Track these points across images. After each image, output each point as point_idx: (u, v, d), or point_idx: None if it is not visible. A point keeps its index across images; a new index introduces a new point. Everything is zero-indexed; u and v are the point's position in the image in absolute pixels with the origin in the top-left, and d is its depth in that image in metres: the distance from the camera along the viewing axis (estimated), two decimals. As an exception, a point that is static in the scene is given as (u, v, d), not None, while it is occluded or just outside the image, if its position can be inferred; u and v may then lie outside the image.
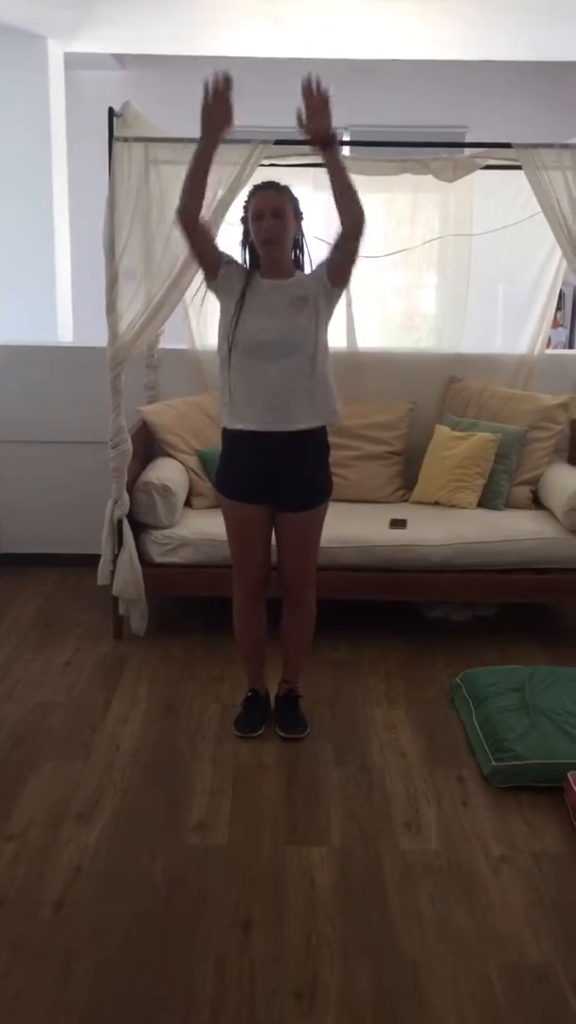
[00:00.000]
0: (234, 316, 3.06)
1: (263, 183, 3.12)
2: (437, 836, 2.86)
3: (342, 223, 3.00)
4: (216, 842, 2.82)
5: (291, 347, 3.04)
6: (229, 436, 3.21)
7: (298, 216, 3.12)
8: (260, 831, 2.87)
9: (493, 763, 3.14)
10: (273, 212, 3.02)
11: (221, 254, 3.14)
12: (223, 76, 2.95)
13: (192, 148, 3.96)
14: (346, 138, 6.63)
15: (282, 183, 3.12)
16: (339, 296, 3.16)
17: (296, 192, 3.15)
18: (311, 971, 2.31)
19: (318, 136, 2.94)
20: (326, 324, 3.14)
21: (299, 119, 2.94)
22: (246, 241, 3.13)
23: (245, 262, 3.16)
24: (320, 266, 3.12)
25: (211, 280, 3.15)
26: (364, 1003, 2.22)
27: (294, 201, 3.09)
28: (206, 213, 3.77)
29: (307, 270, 3.19)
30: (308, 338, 3.06)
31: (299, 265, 3.18)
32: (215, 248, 3.15)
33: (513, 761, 3.11)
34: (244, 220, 3.12)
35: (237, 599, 3.40)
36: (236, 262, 3.16)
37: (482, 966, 2.34)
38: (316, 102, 2.91)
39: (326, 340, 3.15)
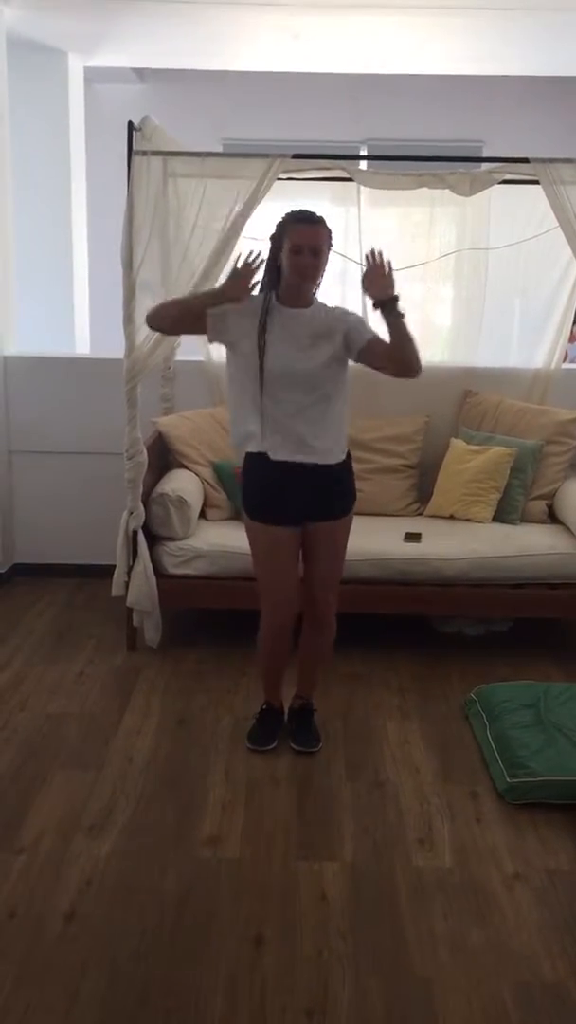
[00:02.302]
0: (259, 345, 3.03)
1: (302, 213, 3.05)
2: (450, 852, 2.84)
3: (392, 371, 3.04)
4: (228, 856, 2.80)
5: (314, 379, 3.04)
6: (252, 460, 3.16)
7: (330, 248, 3.09)
8: (272, 845, 2.86)
9: (507, 779, 3.12)
10: (312, 250, 3.00)
11: (203, 315, 3.08)
12: (256, 257, 3.01)
13: (210, 162, 4.01)
14: (363, 152, 6.68)
15: (318, 215, 3.07)
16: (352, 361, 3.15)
17: (312, 206, 3.14)
18: (322, 987, 2.30)
19: (379, 299, 2.99)
20: (343, 370, 3.12)
21: (362, 284, 3.04)
22: (273, 262, 3.08)
23: (267, 281, 3.10)
24: (360, 330, 3.07)
25: (212, 338, 3.14)
26: (376, 1020, 2.21)
27: (329, 235, 3.07)
28: (223, 227, 3.81)
29: (319, 294, 3.16)
30: (329, 373, 3.06)
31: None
32: (198, 319, 3.10)
33: (527, 778, 3.09)
34: (275, 240, 3.07)
35: (269, 624, 3.29)
36: (223, 307, 3.09)
37: (495, 984, 2.32)
38: (378, 272, 3.00)
39: (344, 385, 3.14)
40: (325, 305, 3.15)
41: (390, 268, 3.01)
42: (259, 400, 3.05)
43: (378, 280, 3.00)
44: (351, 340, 3.06)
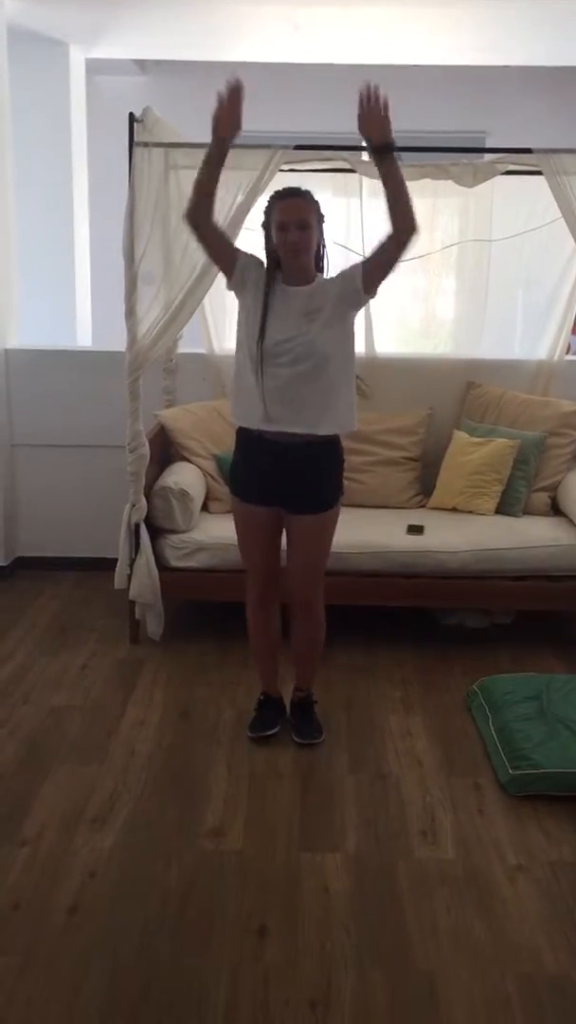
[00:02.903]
0: (261, 317, 3.04)
1: (284, 190, 3.07)
2: (453, 844, 2.84)
3: (393, 228, 2.96)
4: (231, 848, 2.81)
5: (310, 355, 3.02)
6: (243, 436, 3.20)
7: (320, 220, 3.09)
8: (275, 837, 2.87)
9: (510, 771, 3.12)
10: (298, 223, 2.99)
11: (235, 252, 3.12)
12: (235, 83, 2.95)
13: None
14: (365, 143, 6.64)
15: (303, 188, 3.10)
16: (364, 302, 3.14)
17: (315, 197, 3.14)
18: (325, 979, 2.30)
19: (375, 142, 2.92)
20: (346, 331, 3.11)
21: (359, 124, 2.94)
22: (268, 246, 3.10)
23: (269, 264, 3.12)
24: (356, 267, 3.07)
25: (229, 280, 3.14)
26: (379, 1012, 2.21)
27: (316, 206, 3.08)
28: (225, 219, 3.79)
29: (327, 272, 3.17)
30: (325, 347, 3.04)
31: (319, 268, 3.16)
32: (230, 247, 3.14)
33: (530, 770, 3.09)
34: (266, 226, 3.08)
35: (249, 600, 3.41)
36: (253, 259, 3.12)
37: (498, 976, 2.32)
38: (374, 108, 2.89)
39: (348, 349, 3.13)
40: (325, 280, 3.14)
41: (387, 107, 2.89)
42: (259, 375, 3.05)
43: (375, 120, 2.89)
44: (349, 283, 3.04)
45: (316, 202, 3.08)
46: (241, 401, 3.14)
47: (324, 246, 3.16)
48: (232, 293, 3.18)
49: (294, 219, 2.99)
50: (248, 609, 3.42)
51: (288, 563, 3.32)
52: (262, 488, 3.20)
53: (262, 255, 3.13)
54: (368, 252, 3.08)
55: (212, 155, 3.01)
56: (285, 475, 3.15)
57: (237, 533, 3.34)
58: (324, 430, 3.11)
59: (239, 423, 3.19)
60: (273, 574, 3.34)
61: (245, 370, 3.09)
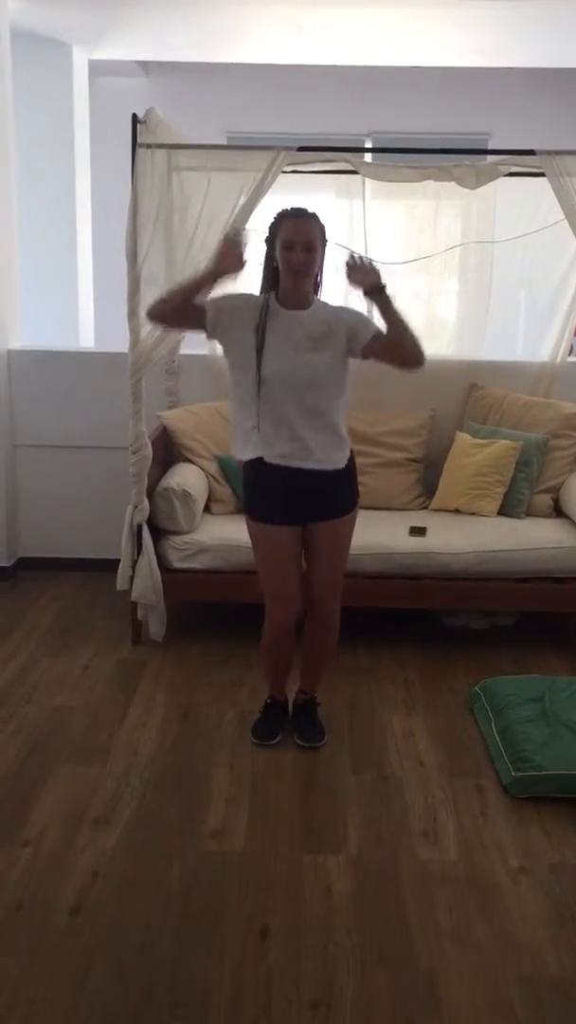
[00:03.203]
0: (257, 347, 3.01)
1: (293, 210, 3.05)
2: (455, 846, 2.84)
3: (395, 362, 3.05)
4: (233, 849, 2.81)
5: (314, 383, 3.02)
6: (252, 465, 3.15)
7: (324, 243, 3.07)
8: (277, 838, 2.87)
9: (512, 773, 3.12)
10: (304, 245, 2.98)
11: (201, 311, 3.07)
12: (240, 232, 3.13)
13: (215, 155, 4.00)
14: (368, 145, 6.65)
15: (310, 210, 3.06)
16: (359, 359, 3.15)
17: (317, 199, 3.15)
18: (328, 980, 2.30)
19: (366, 290, 3.02)
20: (345, 369, 3.11)
21: (348, 279, 3.06)
22: (269, 263, 3.07)
23: (266, 282, 3.10)
24: (363, 327, 3.06)
25: (210, 334, 3.13)
26: (381, 1013, 2.21)
27: (322, 229, 3.05)
28: (227, 221, 3.80)
29: (320, 293, 3.14)
30: (329, 377, 3.04)
31: (316, 290, 3.13)
32: (195, 313, 3.09)
33: (532, 771, 3.09)
34: (269, 241, 3.06)
35: (271, 623, 3.27)
36: (225, 300, 3.09)
37: (500, 977, 2.32)
38: (359, 267, 3.03)
39: (344, 386, 3.13)
40: (327, 304, 3.13)
41: (371, 262, 3.03)
42: (257, 404, 3.03)
43: (362, 275, 3.02)
44: (354, 338, 3.05)
45: (322, 225, 3.06)
46: (245, 443, 3.12)
47: (323, 269, 3.12)
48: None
49: (301, 240, 2.98)
50: (269, 630, 3.29)
51: (309, 569, 3.27)
52: (283, 505, 3.14)
53: (259, 263, 3.11)
54: (380, 330, 3.07)
55: (200, 281, 3.06)
56: (301, 491, 3.13)
57: (259, 556, 3.23)
58: (336, 464, 3.13)
59: (243, 457, 3.16)
60: (297, 599, 3.24)
61: (245, 409, 3.07)
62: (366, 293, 3.02)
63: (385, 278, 3.00)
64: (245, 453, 3.14)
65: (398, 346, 3.01)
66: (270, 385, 3.00)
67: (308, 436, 3.05)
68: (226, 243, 3.08)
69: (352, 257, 3.05)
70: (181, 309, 3.09)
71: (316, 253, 3.01)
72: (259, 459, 3.09)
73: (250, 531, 3.25)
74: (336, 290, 3.33)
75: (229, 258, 3.03)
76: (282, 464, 3.07)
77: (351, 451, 3.23)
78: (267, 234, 3.06)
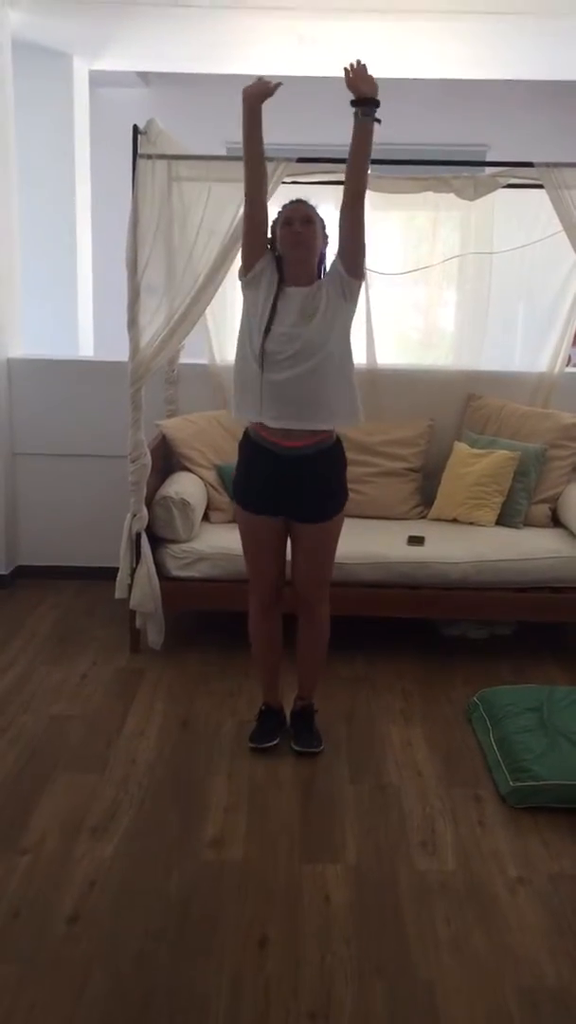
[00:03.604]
0: (267, 318, 3.08)
1: (293, 200, 3.21)
2: (453, 856, 2.84)
3: (347, 184, 3.08)
4: (231, 858, 2.81)
5: (310, 353, 3.06)
6: (245, 444, 3.25)
7: (324, 229, 3.19)
8: (275, 847, 2.86)
9: (511, 783, 3.12)
10: (303, 219, 3.12)
11: (264, 250, 3.17)
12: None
13: (215, 166, 4.02)
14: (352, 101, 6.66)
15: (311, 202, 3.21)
16: (358, 289, 3.17)
17: (317, 209, 3.18)
18: (326, 990, 2.30)
19: (361, 93, 3.01)
20: (344, 326, 3.16)
21: (348, 84, 3.04)
22: (274, 253, 3.17)
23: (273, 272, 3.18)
24: (332, 268, 3.16)
25: (247, 272, 3.17)
26: (379, 1023, 2.21)
27: (320, 218, 3.18)
28: (228, 229, 3.82)
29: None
30: (323, 344, 3.08)
31: (320, 274, 3.20)
32: (265, 240, 3.18)
33: (531, 781, 3.09)
34: (273, 230, 3.17)
35: (252, 609, 3.42)
36: (271, 262, 3.17)
37: (498, 988, 2.32)
38: (360, 69, 3.03)
39: (345, 345, 3.17)
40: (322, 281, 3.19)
41: (364, 67, 3.04)
42: (261, 371, 3.09)
43: (361, 77, 3.02)
44: (334, 271, 3.13)
45: (321, 217, 3.19)
46: (243, 395, 3.17)
47: (326, 257, 3.21)
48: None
49: (299, 215, 3.12)
50: (251, 619, 3.42)
51: (293, 571, 3.34)
52: (266, 499, 3.23)
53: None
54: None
55: (245, 124, 3.17)
56: (288, 485, 3.17)
57: (242, 541, 3.36)
58: (323, 424, 3.15)
59: (239, 415, 3.22)
60: (277, 583, 3.36)
61: (247, 364, 3.13)
62: (356, 102, 3.01)
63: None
64: (240, 408, 3.20)
65: (354, 157, 3.05)
66: (271, 354, 3.07)
67: (304, 400, 3.10)
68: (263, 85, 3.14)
69: (352, 63, 3.04)
70: (253, 152, 3.16)
71: (314, 226, 3.13)
72: (252, 437, 3.20)
73: (236, 516, 3.38)
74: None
75: (260, 93, 3.15)
76: (274, 426, 3.12)
77: (343, 453, 3.27)
78: (271, 226, 3.17)
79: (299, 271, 3.14)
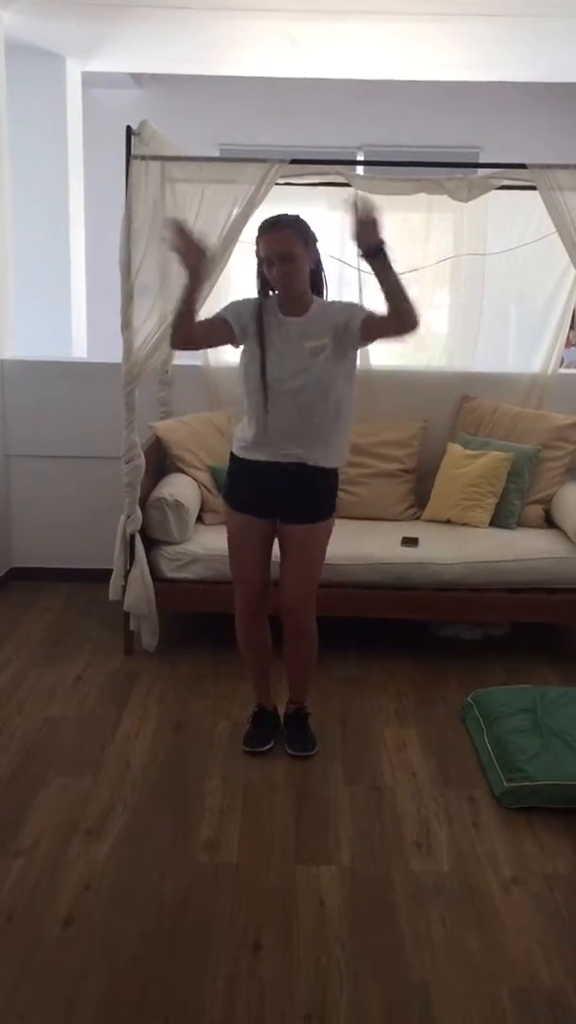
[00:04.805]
0: (260, 357, 3.04)
1: (267, 222, 3.03)
2: (448, 857, 2.84)
3: (395, 328, 2.96)
4: (225, 860, 2.80)
5: (316, 390, 3.05)
6: (238, 459, 3.24)
7: (310, 243, 3.05)
8: (269, 850, 2.86)
9: (505, 784, 3.12)
10: (281, 256, 2.97)
11: (224, 322, 3.09)
12: (175, 225, 2.98)
13: (208, 167, 4.02)
14: (360, 157, 6.69)
15: (288, 215, 3.04)
16: (361, 347, 3.16)
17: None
18: (320, 993, 2.29)
19: (364, 246, 2.86)
20: (350, 363, 3.13)
21: (351, 232, 2.88)
22: (261, 275, 3.09)
23: (262, 293, 3.11)
24: (353, 314, 3.04)
25: (236, 343, 3.14)
26: (374, 1026, 2.21)
27: (303, 231, 3.02)
28: (220, 233, 3.82)
29: (327, 292, 3.16)
30: (329, 382, 3.07)
31: (318, 290, 3.15)
32: (218, 325, 3.10)
33: (525, 782, 3.09)
34: (257, 255, 3.07)
35: (238, 616, 3.39)
36: (241, 305, 3.10)
37: (493, 989, 2.32)
38: (363, 220, 2.83)
39: (348, 385, 3.14)
40: (324, 304, 3.13)
41: (374, 219, 2.84)
42: (263, 408, 3.08)
43: (365, 229, 2.83)
44: (346, 330, 3.04)
45: (304, 226, 3.03)
46: (249, 431, 3.17)
47: (322, 267, 3.14)
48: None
49: (276, 252, 2.97)
50: (238, 623, 3.40)
51: (281, 575, 3.31)
52: (257, 499, 3.22)
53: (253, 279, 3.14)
54: (372, 307, 3.05)
55: (186, 291, 3.00)
56: (280, 488, 3.17)
57: (229, 542, 3.34)
58: (331, 463, 3.18)
59: (243, 455, 3.20)
60: (263, 586, 3.33)
61: (253, 403, 3.12)
62: (365, 255, 2.87)
63: (386, 239, 2.86)
64: (245, 448, 3.19)
65: (395, 313, 2.90)
66: (275, 390, 3.05)
67: (312, 436, 3.10)
68: (173, 234, 2.96)
69: (358, 208, 2.84)
70: (190, 328, 3.07)
71: (296, 260, 2.98)
72: (250, 460, 3.18)
73: (226, 518, 3.36)
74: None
75: (187, 250, 2.96)
76: (274, 461, 3.13)
77: (337, 472, 3.27)
78: (255, 247, 3.07)
79: (290, 301, 3.06)
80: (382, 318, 2.97)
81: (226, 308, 3.14)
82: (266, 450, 3.13)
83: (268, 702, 3.52)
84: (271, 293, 3.10)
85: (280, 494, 3.18)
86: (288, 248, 2.98)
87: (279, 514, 3.23)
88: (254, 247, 3.07)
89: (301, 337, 3.05)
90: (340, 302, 3.19)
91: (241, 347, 3.15)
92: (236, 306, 3.13)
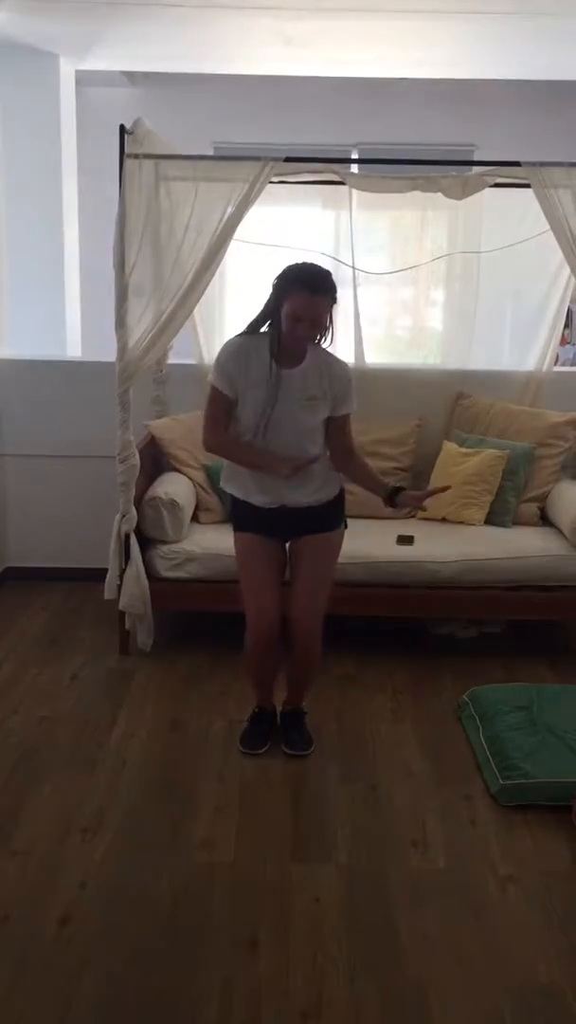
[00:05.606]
0: (266, 411, 3.05)
1: (307, 278, 2.93)
2: (444, 855, 2.84)
3: (336, 462, 3.24)
4: (222, 859, 2.80)
5: (311, 435, 3.12)
6: (239, 501, 3.28)
7: (333, 306, 3.00)
8: (266, 848, 2.86)
9: (501, 781, 3.12)
10: (312, 322, 2.94)
11: (228, 399, 3.10)
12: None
13: (202, 165, 4.01)
14: (355, 156, 6.68)
15: (329, 276, 2.97)
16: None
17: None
18: (317, 990, 2.30)
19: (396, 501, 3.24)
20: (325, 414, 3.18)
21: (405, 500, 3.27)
22: (275, 316, 2.99)
23: (273, 341, 3.03)
24: (337, 403, 3.11)
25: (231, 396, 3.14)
26: (371, 1023, 2.20)
27: (333, 300, 2.98)
28: (214, 231, 3.82)
29: (328, 341, 3.09)
30: (319, 429, 3.14)
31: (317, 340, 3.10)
32: (229, 410, 3.13)
33: (521, 779, 3.09)
34: (277, 293, 2.97)
35: (251, 635, 3.26)
36: (226, 368, 3.07)
37: (490, 986, 2.32)
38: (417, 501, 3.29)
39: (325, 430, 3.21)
40: (318, 360, 3.09)
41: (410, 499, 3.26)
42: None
43: (415, 505, 3.30)
44: (334, 409, 3.13)
45: (335, 294, 2.98)
46: (246, 480, 3.20)
47: (332, 324, 3.05)
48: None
49: (311, 317, 2.94)
50: (250, 643, 3.27)
51: (291, 591, 3.27)
52: (267, 521, 3.23)
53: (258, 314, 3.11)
54: (347, 415, 3.18)
55: (253, 460, 3.15)
56: (288, 522, 3.22)
57: (242, 569, 3.28)
58: (332, 494, 3.28)
59: (244, 499, 3.23)
60: (277, 609, 3.21)
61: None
62: (389, 495, 3.22)
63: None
64: (239, 491, 3.24)
65: (344, 470, 3.27)
66: (271, 439, 3.09)
67: (306, 482, 3.16)
68: (288, 470, 3.09)
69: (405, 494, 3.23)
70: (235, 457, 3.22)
71: (321, 328, 2.99)
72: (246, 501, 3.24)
73: (235, 541, 3.32)
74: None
75: (289, 471, 3.09)
76: (276, 507, 3.19)
77: (341, 486, 3.32)
78: (277, 282, 2.99)
79: (291, 352, 3.04)
80: (341, 442, 3.18)
81: (221, 382, 3.09)
82: (264, 498, 3.18)
83: (269, 703, 3.52)
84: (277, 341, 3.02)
85: (287, 524, 3.22)
86: (323, 316, 2.96)
87: (291, 532, 3.26)
88: (280, 282, 2.97)
89: (298, 391, 3.07)
90: (338, 365, 3.13)
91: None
92: (227, 374, 3.08)
